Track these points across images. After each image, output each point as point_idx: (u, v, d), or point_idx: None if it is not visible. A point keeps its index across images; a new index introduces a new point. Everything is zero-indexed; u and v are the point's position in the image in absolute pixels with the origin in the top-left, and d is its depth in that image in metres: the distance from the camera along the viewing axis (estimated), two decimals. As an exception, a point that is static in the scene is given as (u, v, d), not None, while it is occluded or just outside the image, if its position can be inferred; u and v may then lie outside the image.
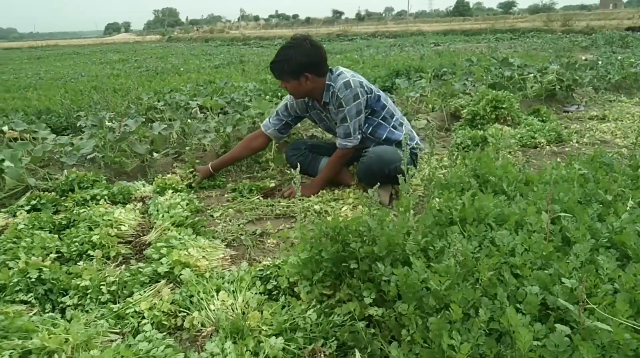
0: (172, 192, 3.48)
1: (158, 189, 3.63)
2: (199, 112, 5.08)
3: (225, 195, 3.78)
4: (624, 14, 41.87)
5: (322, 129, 3.94)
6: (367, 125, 3.52)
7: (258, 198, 3.58)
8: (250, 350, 1.83)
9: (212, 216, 3.39)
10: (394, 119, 3.61)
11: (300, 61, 3.25)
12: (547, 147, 4.74)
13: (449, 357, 1.47)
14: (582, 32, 25.48)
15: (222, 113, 5.11)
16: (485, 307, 1.63)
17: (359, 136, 3.48)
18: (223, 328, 1.93)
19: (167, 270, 2.42)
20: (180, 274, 2.34)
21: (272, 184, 3.88)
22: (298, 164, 2.72)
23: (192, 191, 3.73)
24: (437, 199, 2.37)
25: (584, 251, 1.96)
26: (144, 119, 5.21)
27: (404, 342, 1.72)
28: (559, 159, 3.76)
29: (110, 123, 4.58)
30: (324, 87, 3.42)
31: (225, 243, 2.92)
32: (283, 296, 2.21)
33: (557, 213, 2.31)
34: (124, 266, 2.69)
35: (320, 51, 3.35)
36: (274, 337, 1.86)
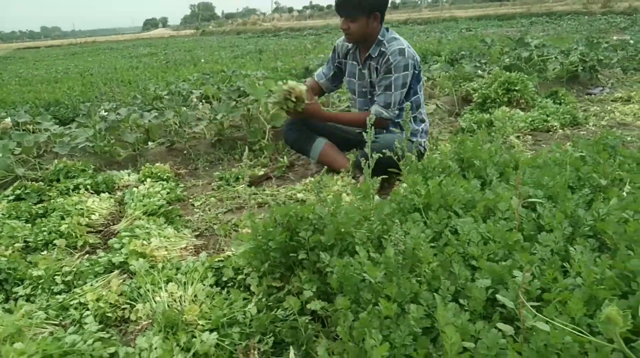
0: (152, 180, 3.39)
1: (143, 178, 3.55)
2: (196, 100, 4.99)
3: (212, 184, 3.67)
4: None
5: (347, 87, 3.67)
6: None
7: (243, 187, 3.44)
8: (181, 346, 1.71)
9: (192, 205, 3.29)
10: (418, 110, 3.41)
11: None
12: (560, 130, 4.44)
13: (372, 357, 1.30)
14: (623, 13, 24.23)
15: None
16: (425, 302, 1.46)
17: (397, 111, 3.27)
18: (158, 322, 1.81)
19: (122, 260, 2.32)
20: (126, 263, 2.24)
21: (261, 173, 3.75)
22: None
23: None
24: (404, 185, 2.18)
25: (555, 241, 1.75)
26: (147, 109, 5.16)
27: (339, 339, 1.56)
28: (568, 143, 3.49)
29: (105, 113, 4.53)
30: (376, 39, 3.24)
31: (197, 233, 2.81)
32: (236, 288, 2.08)
33: (538, 198, 2.11)
34: (87, 256, 2.61)
35: None
36: (207, 332, 1.73)
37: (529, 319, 1.25)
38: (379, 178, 2.23)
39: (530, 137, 4.27)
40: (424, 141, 3.52)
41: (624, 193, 2.31)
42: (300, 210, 1.97)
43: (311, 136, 3.62)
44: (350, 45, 3.44)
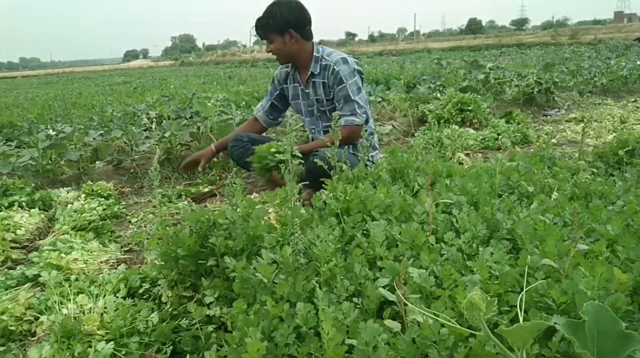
0: (91, 198, 3.30)
1: (83, 196, 3.46)
2: (146, 119, 4.94)
3: (153, 200, 3.59)
4: (636, 27, 41.40)
5: (295, 110, 3.54)
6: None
7: (184, 204, 3.37)
8: (74, 355, 1.61)
9: (129, 221, 3.20)
10: (368, 124, 3.39)
11: (286, 16, 3.07)
12: (515, 150, 4.47)
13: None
14: (589, 44, 25.07)
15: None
16: (321, 300, 1.39)
17: (364, 116, 3.23)
18: (55, 332, 1.71)
19: (36, 273, 2.22)
20: (40, 276, 2.14)
21: (206, 189, 3.68)
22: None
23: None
24: (325, 191, 2.14)
25: (466, 242, 1.72)
26: (102, 131, 5.07)
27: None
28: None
29: (53, 132, 4.44)
30: (310, 56, 3.22)
31: (127, 249, 2.72)
32: (150, 300, 2.00)
33: (461, 203, 2.09)
34: (6, 270, 2.49)
35: (307, 12, 3.19)
36: (104, 342, 1.64)
37: (412, 313, 1.20)
38: (300, 184, 2.18)
39: (480, 154, 4.30)
40: (372, 156, 3.49)
41: (552, 199, 2.32)
42: (211, 215, 1.91)
43: (252, 152, 3.58)
44: (288, 69, 3.42)
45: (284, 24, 3.09)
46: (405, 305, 1.25)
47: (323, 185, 2.12)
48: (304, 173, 3.17)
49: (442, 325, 1.11)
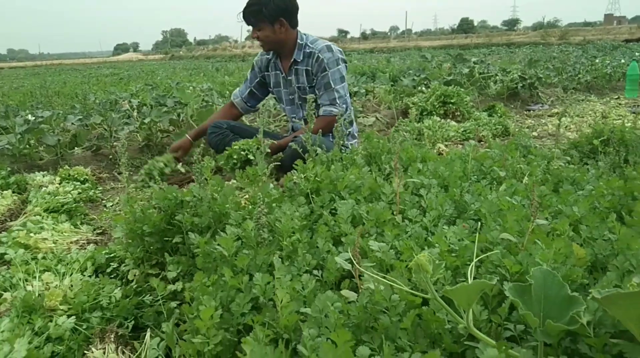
0: (66, 182, 3.27)
1: (59, 180, 3.42)
2: (127, 106, 4.90)
3: (132, 185, 3.56)
4: (624, 30, 41.77)
5: (277, 98, 3.55)
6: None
7: (153, 184, 3.34)
8: (34, 330, 1.59)
9: (105, 206, 3.18)
10: (347, 112, 3.38)
11: (278, 5, 3.04)
12: (492, 140, 4.49)
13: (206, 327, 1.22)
14: (578, 45, 25.28)
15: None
16: (278, 269, 1.39)
17: (344, 105, 3.21)
18: (16, 307, 1.69)
19: (2, 251, 2.19)
20: (6, 254, 2.11)
21: (182, 170, 3.66)
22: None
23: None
24: (295, 172, 2.13)
25: (431, 220, 1.72)
26: (81, 116, 5.02)
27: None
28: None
29: (32, 117, 4.39)
30: (295, 43, 3.19)
31: (100, 231, 2.69)
32: (118, 279, 1.98)
33: (432, 186, 2.09)
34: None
35: (295, 0, 3.16)
36: (65, 317, 1.63)
37: (367, 282, 1.20)
38: (272, 165, 2.18)
39: (460, 146, 4.31)
40: (350, 144, 3.49)
41: (522, 183, 2.33)
42: (179, 193, 1.90)
43: (235, 139, 3.56)
44: (270, 56, 3.39)
45: (276, 13, 3.06)
46: (361, 276, 1.25)
47: (294, 165, 2.12)
48: (285, 158, 3.18)
49: (394, 292, 1.11)
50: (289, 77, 3.31)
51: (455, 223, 1.77)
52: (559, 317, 0.96)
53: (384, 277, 1.06)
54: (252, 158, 2.79)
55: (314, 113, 3.24)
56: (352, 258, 1.20)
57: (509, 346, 0.94)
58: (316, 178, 2.00)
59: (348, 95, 3.38)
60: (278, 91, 3.45)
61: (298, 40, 3.20)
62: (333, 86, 3.13)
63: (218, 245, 1.50)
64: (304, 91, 3.29)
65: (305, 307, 1.25)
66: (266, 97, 3.67)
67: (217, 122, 3.59)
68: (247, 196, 2.30)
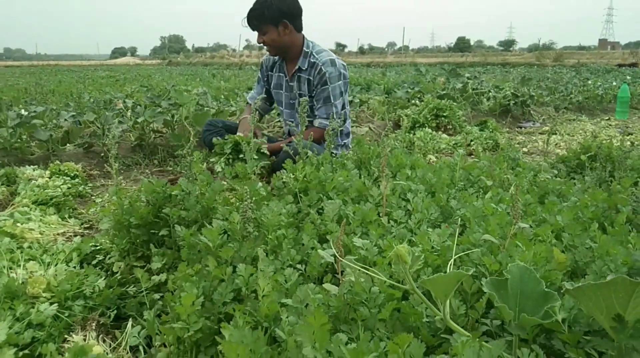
0: (52, 175, 3.26)
1: (49, 174, 3.42)
2: (121, 105, 4.91)
3: (122, 184, 3.56)
4: (618, 54, 42.34)
5: (275, 99, 3.56)
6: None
7: (142, 178, 3.34)
8: (15, 315, 1.59)
9: (94, 201, 3.17)
10: (344, 124, 3.41)
11: (280, 7, 3.06)
12: (481, 152, 4.53)
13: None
14: (572, 67, 25.59)
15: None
16: (262, 260, 1.40)
17: (338, 120, 3.24)
18: (-2, 293, 1.69)
19: (-13, 240, 2.18)
20: (-9, 242, 2.10)
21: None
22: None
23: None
24: (285, 171, 2.15)
25: (416, 222, 1.75)
26: (74, 113, 5.02)
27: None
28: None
29: (25, 112, 4.39)
30: (300, 49, 3.22)
31: (88, 226, 2.69)
32: (103, 271, 1.98)
33: (419, 191, 2.11)
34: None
35: (298, 3, 3.19)
36: (48, 304, 1.62)
37: (349, 275, 1.21)
38: (261, 163, 2.20)
39: (450, 158, 4.34)
40: (344, 151, 3.52)
41: (509, 192, 2.36)
42: (167, 187, 1.91)
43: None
44: (276, 57, 3.43)
45: (279, 15, 3.09)
46: (344, 271, 1.26)
47: (283, 165, 2.14)
48: (278, 161, 3.18)
49: (374, 284, 1.13)
50: (292, 83, 3.33)
51: (440, 227, 1.80)
52: (534, 312, 0.97)
53: (365, 269, 1.07)
54: (244, 151, 2.79)
55: (308, 117, 3.27)
56: (334, 251, 1.21)
57: (483, 339, 0.96)
58: (305, 178, 2.02)
59: (348, 108, 3.42)
60: (278, 93, 3.47)
61: (304, 48, 3.23)
62: (332, 101, 3.18)
63: (203, 236, 1.51)
64: (301, 97, 3.31)
65: (287, 299, 1.26)
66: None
67: (212, 120, 3.60)
68: (236, 194, 2.31)
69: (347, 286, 1.12)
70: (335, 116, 3.17)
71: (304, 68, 3.23)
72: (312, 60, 3.21)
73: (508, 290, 1.00)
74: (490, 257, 1.24)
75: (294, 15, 3.15)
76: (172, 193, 1.87)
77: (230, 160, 2.83)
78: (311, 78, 3.23)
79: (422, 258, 1.01)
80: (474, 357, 0.77)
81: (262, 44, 3.24)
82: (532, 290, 1.00)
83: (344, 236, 1.58)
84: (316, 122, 3.20)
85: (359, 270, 1.07)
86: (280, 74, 3.41)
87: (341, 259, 1.16)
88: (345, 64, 3.31)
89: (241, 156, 2.74)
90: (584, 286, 0.78)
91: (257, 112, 3.56)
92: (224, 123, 3.60)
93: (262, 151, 2.85)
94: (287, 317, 1.04)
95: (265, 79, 3.53)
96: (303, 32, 3.27)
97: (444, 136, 4.81)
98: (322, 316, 0.85)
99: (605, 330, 0.89)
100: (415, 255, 1.02)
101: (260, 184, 1.98)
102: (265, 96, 3.52)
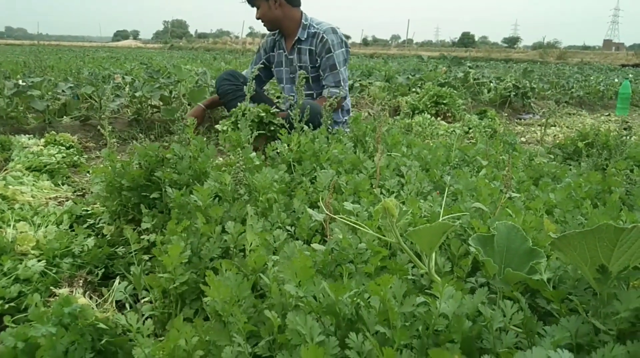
0: (47, 144, 3.25)
1: (44, 143, 3.40)
2: (120, 80, 4.89)
3: (118, 156, 3.54)
4: (622, 55, 42.21)
5: (277, 78, 3.53)
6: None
7: (135, 142, 3.33)
8: (3, 271, 1.59)
9: (88, 172, 3.16)
10: (345, 99, 3.39)
11: None
12: (478, 135, 4.53)
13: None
14: (575, 65, 25.50)
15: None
16: (250, 217, 1.39)
17: (346, 88, 3.23)
18: (-14, 249, 1.68)
19: (-21, 200, 2.17)
20: (-18, 201, 2.10)
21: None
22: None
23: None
24: (279, 142, 2.14)
25: (409, 192, 1.74)
26: (72, 85, 4.99)
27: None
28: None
29: (23, 83, 4.36)
30: (298, 23, 3.21)
31: (81, 193, 2.69)
32: (94, 234, 1.97)
33: (414, 166, 2.11)
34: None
35: None
36: (35, 260, 1.62)
37: (336, 233, 1.21)
38: (256, 133, 2.19)
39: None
40: (345, 119, 3.48)
41: (503, 172, 2.36)
42: (160, 151, 1.90)
43: (244, 95, 3.46)
44: (275, 36, 3.41)
45: None
46: (332, 231, 1.26)
47: (278, 134, 2.13)
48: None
49: (361, 241, 1.12)
50: (291, 56, 3.32)
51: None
52: (519, 269, 0.97)
53: (353, 223, 1.07)
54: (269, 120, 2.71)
55: (310, 90, 3.25)
56: (324, 209, 1.20)
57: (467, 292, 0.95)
58: (299, 149, 2.01)
59: (347, 83, 3.41)
60: (279, 71, 3.46)
61: (302, 21, 3.24)
62: (338, 68, 3.18)
63: (193, 196, 1.50)
64: (305, 70, 3.28)
65: (275, 256, 1.26)
66: (268, 82, 3.68)
67: (233, 71, 3.47)
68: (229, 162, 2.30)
69: (333, 243, 1.12)
70: (342, 83, 3.17)
71: (303, 39, 3.23)
72: (312, 30, 3.21)
73: (494, 246, 1.00)
74: (479, 221, 1.24)
75: None
76: (165, 156, 1.86)
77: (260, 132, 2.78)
78: (312, 48, 3.22)
79: (409, 214, 1.00)
80: (454, 299, 0.77)
81: (257, 18, 3.24)
82: (518, 247, 1.00)
83: (335, 201, 1.58)
84: (325, 92, 3.19)
85: (348, 224, 1.06)
86: (280, 50, 3.40)
87: (330, 214, 1.15)
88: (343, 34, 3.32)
89: (266, 129, 2.67)
90: (569, 235, 0.78)
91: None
92: (245, 78, 3.39)
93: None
94: (274, 268, 1.03)
95: (262, 61, 3.49)
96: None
97: (443, 122, 4.80)
98: (306, 259, 0.85)
99: (590, 286, 0.89)
100: (402, 209, 1.02)
101: (254, 153, 1.97)
102: (262, 69, 3.45)
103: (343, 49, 3.19)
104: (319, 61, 3.21)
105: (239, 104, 2.87)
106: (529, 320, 0.81)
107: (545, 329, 0.78)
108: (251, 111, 2.66)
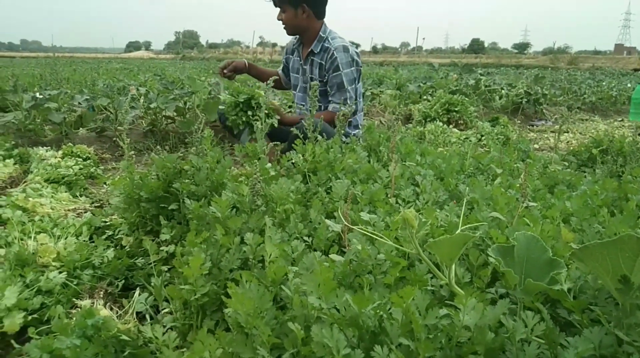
0: (65, 156, 3.30)
1: (61, 155, 3.45)
2: (135, 92, 4.95)
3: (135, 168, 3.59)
4: (634, 60, 41.91)
5: (292, 83, 3.59)
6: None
7: (153, 154, 3.37)
8: (26, 282, 1.61)
9: (105, 183, 3.20)
10: (355, 116, 3.41)
11: None
12: (492, 143, 4.52)
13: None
14: (587, 70, 25.38)
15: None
16: (269, 229, 1.41)
17: (353, 106, 3.26)
18: (9, 261, 1.71)
19: (0, 211, 2.22)
20: (4, 213, 2.14)
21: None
22: None
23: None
24: (294, 152, 2.16)
25: (424, 201, 1.75)
26: (88, 97, 5.06)
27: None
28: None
29: (40, 96, 4.43)
30: (317, 34, 3.25)
31: (98, 205, 2.72)
32: (113, 246, 2.00)
33: (428, 176, 2.11)
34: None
35: None
36: (57, 272, 1.65)
37: (353, 243, 1.22)
38: (272, 143, 2.21)
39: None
40: (353, 133, 3.51)
41: (519, 181, 2.36)
42: (178, 162, 1.92)
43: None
44: (295, 41, 3.45)
45: None
46: (350, 242, 1.27)
47: (293, 145, 2.14)
48: (287, 143, 3.15)
49: (380, 252, 1.13)
50: (305, 66, 3.36)
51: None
52: (540, 279, 0.97)
53: (372, 234, 1.08)
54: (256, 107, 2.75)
55: (319, 102, 3.27)
56: (342, 219, 1.22)
57: (487, 303, 0.96)
58: (314, 159, 2.03)
59: (361, 100, 3.43)
60: (295, 77, 3.50)
61: (320, 33, 3.25)
62: (346, 86, 3.18)
63: (212, 207, 1.52)
64: (313, 81, 3.31)
65: (293, 267, 1.27)
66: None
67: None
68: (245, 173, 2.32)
69: (352, 253, 1.13)
70: (349, 101, 3.18)
71: (316, 51, 3.25)
72: (325, 45, 3.23)
73: (514, 257, 1.00)
74: (497, 231, 1.24)
75: (317, 3, 3.17)
76: (183, 167, 1.89)
77: (241, 113, 2.82)
78: (323, 62, 3.24)
79: (428, 225, 1.01)
80: (476, 311, 0.77)
81: (280, 20, 3.27)
82: (538, 257, 1.00)
83: (351, 211, 1.59)
84: (330, 106, 3.21)
85: (366, 234, 1.07)
86: (297, 57, 3.44)
87: (348, 225, 1.16)
88: (358, 51, 3.32)
89: (249, 112, 2.73)
90: (590, 246, 0.78)
91: (280, 82, 3.59)
92: None
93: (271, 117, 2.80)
94: (294, 280, 1.04)
95: (285, 61, 3.56)
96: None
97: (455, 130, 4.79)
98: (328, 271, 0.86)
99: (611, 296, 0.89)
100: (422, 220, 1.02)
101: (269, 164, 1.99)
102: (284, 68, 3.55)
103: (353, 69, 3.19)
104: (326, 77, 3.23)
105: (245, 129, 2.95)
106: (551, 331, 0.82)
107: (568, 340, 0.78)
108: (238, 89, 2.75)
